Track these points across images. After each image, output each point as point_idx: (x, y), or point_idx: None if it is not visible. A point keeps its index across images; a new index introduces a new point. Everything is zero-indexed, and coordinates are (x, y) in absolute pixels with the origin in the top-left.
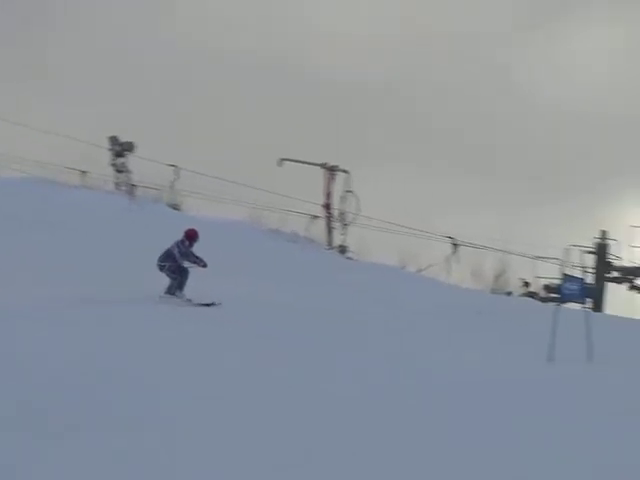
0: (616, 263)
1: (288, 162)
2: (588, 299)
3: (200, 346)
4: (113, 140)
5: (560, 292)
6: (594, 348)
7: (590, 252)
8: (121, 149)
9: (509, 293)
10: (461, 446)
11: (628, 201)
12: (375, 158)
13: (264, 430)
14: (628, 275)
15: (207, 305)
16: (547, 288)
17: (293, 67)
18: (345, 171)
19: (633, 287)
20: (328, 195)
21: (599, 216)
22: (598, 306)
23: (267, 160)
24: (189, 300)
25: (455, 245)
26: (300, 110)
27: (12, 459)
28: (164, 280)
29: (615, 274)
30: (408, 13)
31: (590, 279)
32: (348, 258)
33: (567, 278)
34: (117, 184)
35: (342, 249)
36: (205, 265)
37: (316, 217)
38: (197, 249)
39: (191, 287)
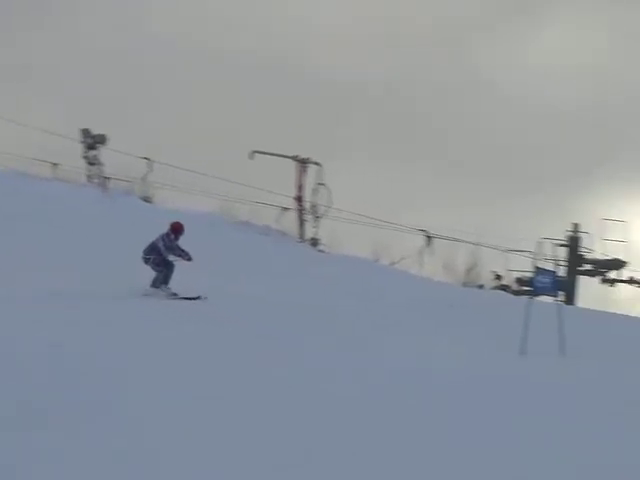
0: (588, 256)
1: (260, 155)
2: (560, 292)
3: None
4: (85, 133)
5: (532, 285)
6: (566, 341)
7: (562, 245)
8: (93, 142)
9: (481, 286)
10: (444, 441)
11: (600, 194)
12: (347, 151)
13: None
14: (600, 268)
15: (193, 299)
16: (519, 281)
17: (282, 62)
18: (317, 164)
19: (605, 280)
20: (300, 188)
21: (571, 209)
22: (570, 299)
23: (240, 153)
24: (174, 294)
25: (428, 238)
26: (271, 103)
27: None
28: (140, 273)
29: (587, 267)
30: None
31: (562, 272)
32: (320, 251)
33: (539, 271)
34: (89, 177)
35: (314, 242)
36: (190, 259)
37: (287, 209)
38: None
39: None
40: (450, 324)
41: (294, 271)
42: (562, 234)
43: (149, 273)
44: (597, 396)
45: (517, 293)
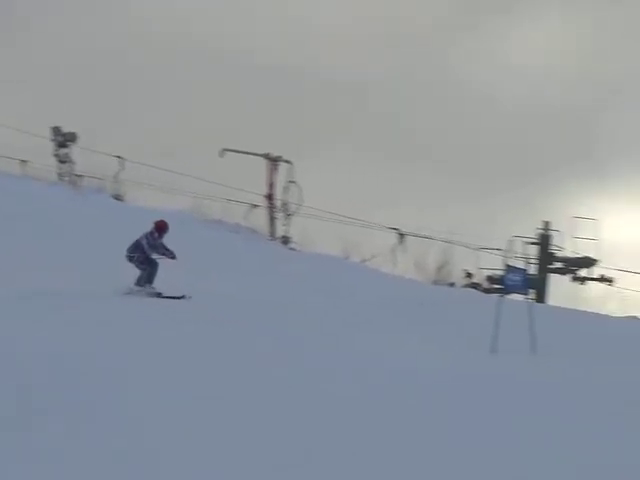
0: (559, 254)
1: (231, 153)
2: (531, 290)
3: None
4: (56, 131)
5: (503, 283)
6: (537, 339)
7: (533, 243)
8: (64, 140)
9: (452, 284)
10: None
11: (570, 192)
12: (319, 149)
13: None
14: (571, 266)
15: (177, 298)
16: (490, 279)
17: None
18: (288, 162)
19: (576, 278)
20: (271, 186)
21: (542, 207)
22: (541, 297)
23: (211, 151)
24: (159, 293)
25: (401, 235)
26: (241, 101)
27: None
28: (118, 271)
29: (558, 265)
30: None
31: (533, 270)
32: (291, 249)
33: (510, 269)
34: (60, 175)
35: (285, 240)
36: (174, 257)
37: (256, 206)
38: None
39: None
40: (420, 322)
41: (265, 269)
42: (533, 232)
43: (127, 271)
44: (568, 393)
45: (488, 291)
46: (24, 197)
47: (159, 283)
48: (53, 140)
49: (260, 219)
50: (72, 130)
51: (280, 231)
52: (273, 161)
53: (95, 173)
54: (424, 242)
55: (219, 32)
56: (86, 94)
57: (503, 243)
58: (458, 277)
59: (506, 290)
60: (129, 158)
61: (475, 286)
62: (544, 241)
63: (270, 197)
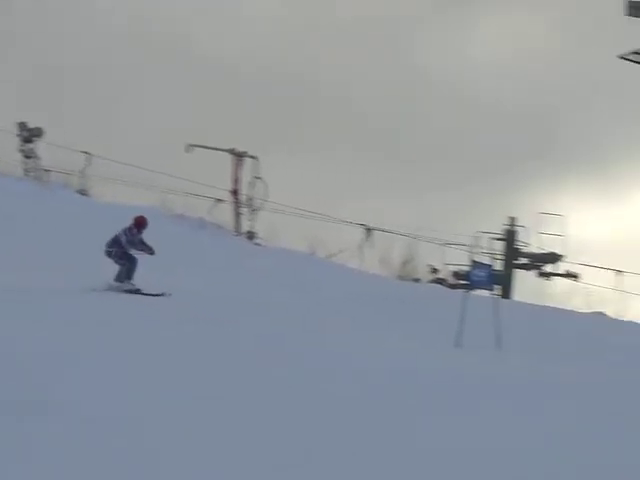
0: (524, 250)
1: (196, 148)
2: (496, 286)
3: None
4: (21, 126)
5: (468, 279)
6: (502, 335)
7: (499, 239)
8: (29, 135)
9: (417, 280)
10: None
11: (536, 188)
12: (286, 145)
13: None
14: (536, 262)
15: (156, 295)
16: (456, 275)
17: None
18: (253, 157)
19: (541, 274)
20: (236, 181)
21: (508, 203)
22: (506, 293)
23: (178, 147)
24: (137, 290)
25: (369, 230)
26: (208, 97)
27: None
28: (85, 267)
29: (523, 261)
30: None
31: (498, 266)
32: (256, 244)
33: (475, 265)
34: (26, 170)
35: (250, 235)
36: (153, 253)
37: (220, 201)
38: (104, 235)
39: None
40: (385, 318)
41: (231, 264)
42: (499, 228)
43: (94, 266)
44: (532, 389)
45: (453, 287)
46: None
47: (138, 280)
48: (19, 135)
49: (225, 214)
50: (38, 125)
51: (246, 226)
52: (238, 156)
53: (62, 168)
54: (390, 237)
55: (186, 31)
56: (52, 90)
57: (469, 239)
58: (423, 272)
59: (471, 286)
60: (96, 154)
61: (440, 282)
62: (510, 237)
63: (235, 192)
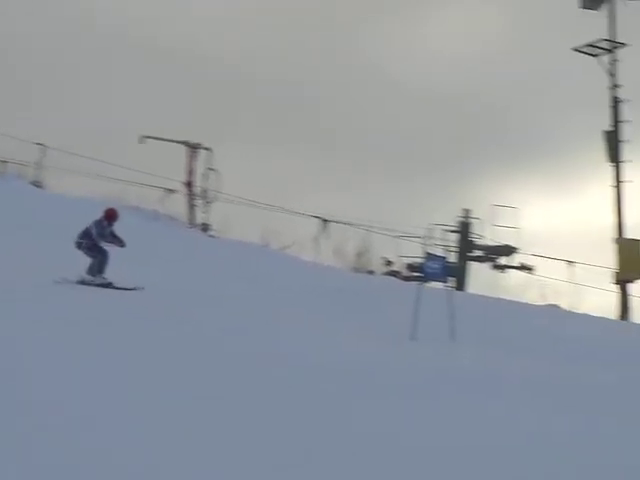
0: (479, 242)
1: (150, 140)
2: (450, 278)
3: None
4: None
5: (422, 271)
6: (456, 327)
7: (453, 231)
8: None
9: (371, 272)
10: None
11: (490, 181)
12: (241, 137)
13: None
14: (491, 254)
15: (129, 289)
16: (410, 267)
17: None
18: (207, 149)
19: (496, 266)
20: (190, 173)
21: (461, 195)
22: (461, 285)
23: (131, 138)
24: (109, 283)
25: (324, 222)
26: (162, 89)
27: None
28: (42, 260)
29: (478, 253)
30: None
31: (452, 258)
32: (211, 236)
33: (429, 257)
34: None
35: (204, 227)
36: (123, 245)
37: (172, 191)
38: (51, 228)
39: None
40: (340, 310)
41: (185, 256)
42: (453, 220)
43: (50, 259)
44: (486, 381)
45: (407, 279)
46: None
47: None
48: None
49: (179, 206)
50: None
51: (200, 218)
52: (192, 148)
53: (17, 160)
54: (345, 229)
55: (141, 19)
56: (4, 80)
57: (423, 231)
58: (378, 265)
59: (426, 278)
60: (51, 145)
61: (394, 274)
62: (464, 229)
63: (189, 184)
